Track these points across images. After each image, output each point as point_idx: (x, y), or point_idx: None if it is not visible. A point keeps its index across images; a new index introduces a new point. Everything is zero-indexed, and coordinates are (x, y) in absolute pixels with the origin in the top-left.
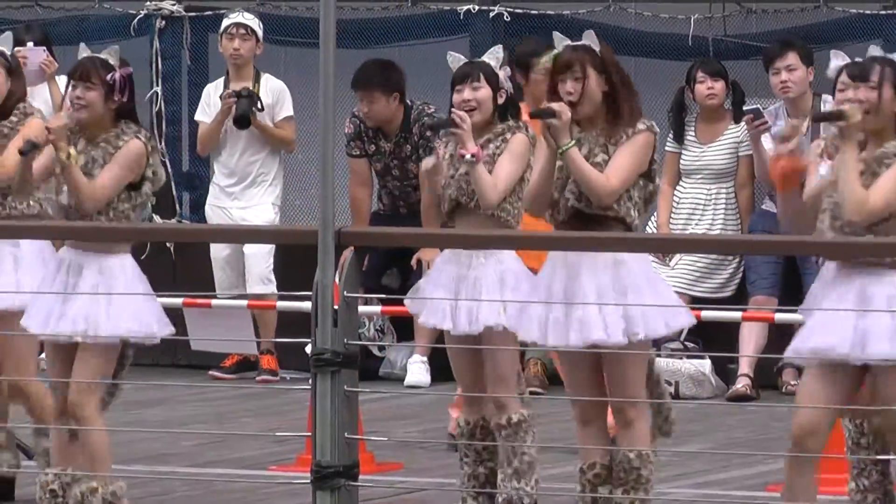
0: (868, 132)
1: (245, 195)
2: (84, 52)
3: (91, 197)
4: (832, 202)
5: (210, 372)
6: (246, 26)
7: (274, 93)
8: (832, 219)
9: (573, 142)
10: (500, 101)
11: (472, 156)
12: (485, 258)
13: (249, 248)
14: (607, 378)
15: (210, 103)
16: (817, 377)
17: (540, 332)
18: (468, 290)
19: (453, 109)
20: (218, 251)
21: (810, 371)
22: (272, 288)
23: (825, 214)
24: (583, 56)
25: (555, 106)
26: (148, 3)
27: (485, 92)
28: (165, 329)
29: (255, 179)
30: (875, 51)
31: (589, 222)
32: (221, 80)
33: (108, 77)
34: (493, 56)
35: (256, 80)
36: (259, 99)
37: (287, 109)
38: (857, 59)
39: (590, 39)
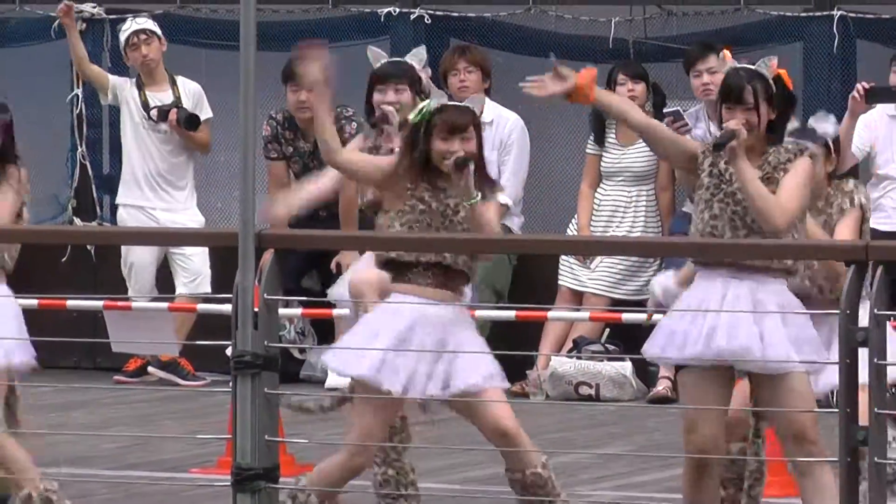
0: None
1: (167, 199)
2: None
3: None
4: (730, 212)
5: (115, 377)
6: (145, 30)
7: (193, 95)
8: (733, 229)
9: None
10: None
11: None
12: None
13: (191, 249)
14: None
15: (123, 96)
16: (702, 386)
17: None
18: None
19: (382, 106)
20: (138, 256)
21: (692, 381)
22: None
23: (718, 221)
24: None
25: (732, 125)
26: None
27: (407, 95)
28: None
29: (177, 183)
30: (730, 62)
31: None
32: (134, 81)
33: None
34: (417, 57)
35: (172, 83)
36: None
37: (207, 111)
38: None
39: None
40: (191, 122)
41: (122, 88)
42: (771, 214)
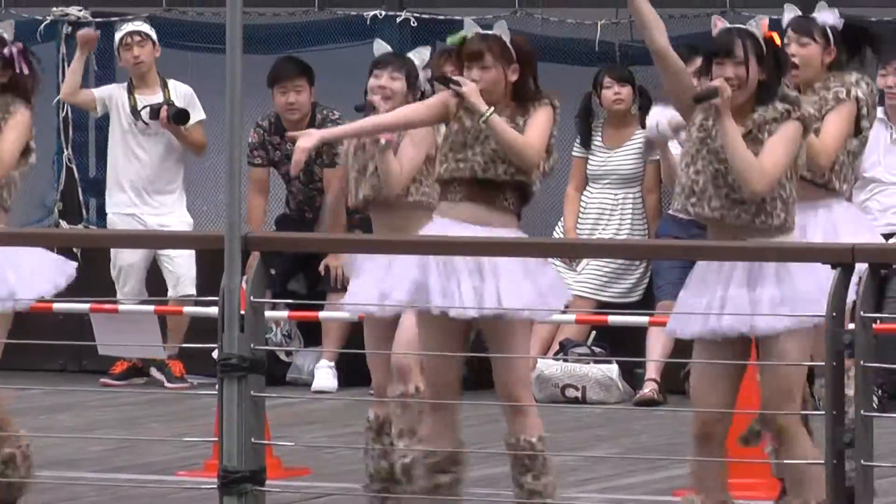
0: (732, 107)
1: (156, 202)
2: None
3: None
4: (713, 169)
5: (101, 380)
6: (139, 32)
7: (185, 98)
8: (716, 187)
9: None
10: (411, 100)
11: (387, 141)
12: None
13: (177, 252)
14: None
15: (114, 102)
16: (710, 356)
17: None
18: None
19: (371, 96)
20: (126, 259)
21: (697, 351)
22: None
23: (701, 177)
24: (492, 45)
25: (716, 82)
26: (54, 8)
27: (400, 84)
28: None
29: (165, 187)
30: (721, 22)
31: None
32: (125, 86)
33: (5, 51)
34: (419, 55)
35: (164, 86)
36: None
37: (200, 113)
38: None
39: (501, 30)
40: (179, 116)
41: (111, 96)
42: (750, 177)
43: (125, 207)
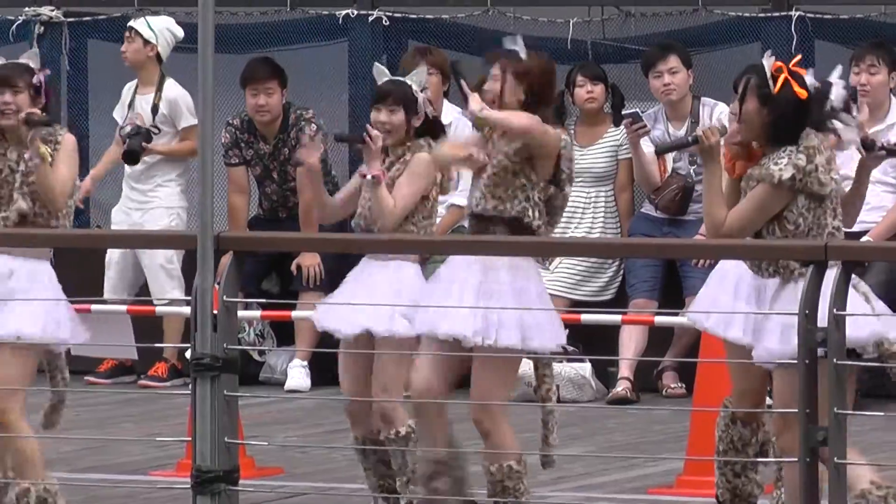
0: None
1: (143, 199)
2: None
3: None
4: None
5: (86, 378)
6: (129, 28)
7: (170, 104)
8: None
9: None
10: (416, 124)
11: (374, 177)
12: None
13: (147, 255)
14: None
15: (123, 103)
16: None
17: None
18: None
19: (368, 126)
20: (111, 254)
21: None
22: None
23: None
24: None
25: (698, 130)
26: (27, 8)
27: (399, 117)
28: (76, 336)
29: (153, 184)
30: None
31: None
32: (135, 82)
33: (35, 80)
34: (416, 79)
35: (159, 87)
36: (153, 129)
37: (187, 119)
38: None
39: (516, 44)
40: (129, 157)
41: (123, 97)
42: (709, 231)
43: (124, 203)
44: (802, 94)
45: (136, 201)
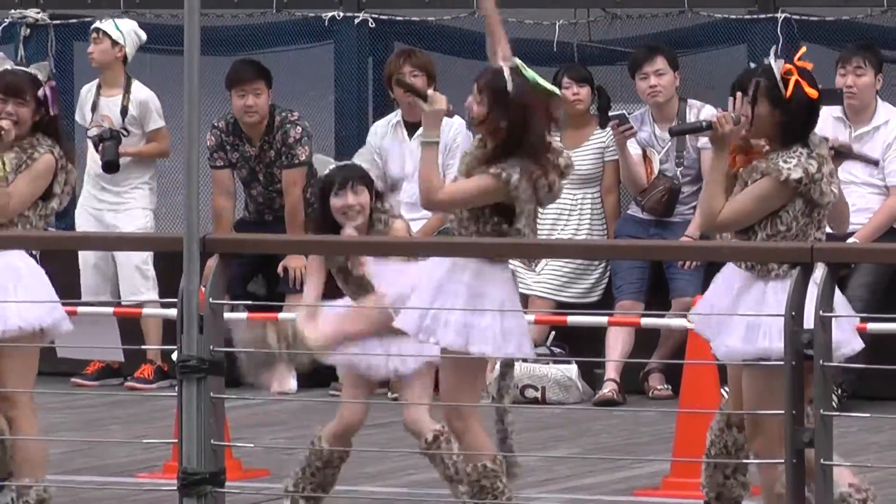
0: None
1: (116, 200)
2: (5, 63)
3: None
4: None
5: (73, 379)
6: (97, 29)
7: (140, 105)
8: None
9: None
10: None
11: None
12: None
13: (123, 255)
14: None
15: (83, 105)
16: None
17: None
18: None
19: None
20: (86, 255)
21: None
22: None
23: None
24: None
25: (712, 116)
26: (12, 10)
27: (366, 195)
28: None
29: (127, 186)
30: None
31: None
32: (95, 83)
33: (40, 93)
34: (365, 157)
35: (126, 90)
36: (122, 131)
37: (155, 121)
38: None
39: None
40: (108, 167)
41: (83, 98)
42: (703, 220)
43: (88, 203)
44: (813, 94)
45: (107, 202)
